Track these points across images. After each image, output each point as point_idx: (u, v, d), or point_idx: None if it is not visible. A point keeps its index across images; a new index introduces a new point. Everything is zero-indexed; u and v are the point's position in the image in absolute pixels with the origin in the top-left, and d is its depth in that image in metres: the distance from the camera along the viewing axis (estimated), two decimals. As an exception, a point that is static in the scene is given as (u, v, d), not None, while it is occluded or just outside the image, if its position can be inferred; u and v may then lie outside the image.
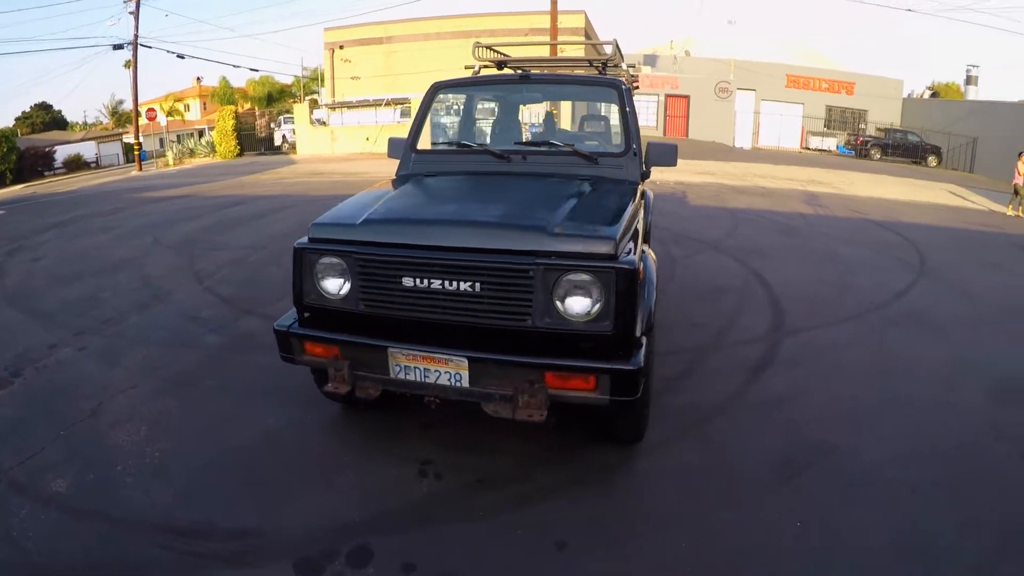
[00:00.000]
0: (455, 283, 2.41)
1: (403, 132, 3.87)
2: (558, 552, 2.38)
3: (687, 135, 29.06)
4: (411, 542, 2.39)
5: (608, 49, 4.15)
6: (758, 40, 34.35)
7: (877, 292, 6.06)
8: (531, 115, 5.92)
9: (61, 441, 3.12)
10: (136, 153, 22.93)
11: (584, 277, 2.36)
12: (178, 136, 32.96)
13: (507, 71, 4.29)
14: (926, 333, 5.05)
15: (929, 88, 39.64)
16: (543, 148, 3.54)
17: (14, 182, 22.30)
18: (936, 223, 10.82)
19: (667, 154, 3.42)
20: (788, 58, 32.47)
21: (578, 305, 2.37)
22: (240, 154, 23.60)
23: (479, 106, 4.38)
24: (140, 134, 23.76)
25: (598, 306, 2.37)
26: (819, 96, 31.02)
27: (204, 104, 44.39)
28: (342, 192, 12.31)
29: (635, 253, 2.55)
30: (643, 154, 3.42)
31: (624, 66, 4.26)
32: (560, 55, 4.57)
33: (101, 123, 46.66)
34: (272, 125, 27.77)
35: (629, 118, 3.45)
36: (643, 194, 3.91)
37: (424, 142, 3.75)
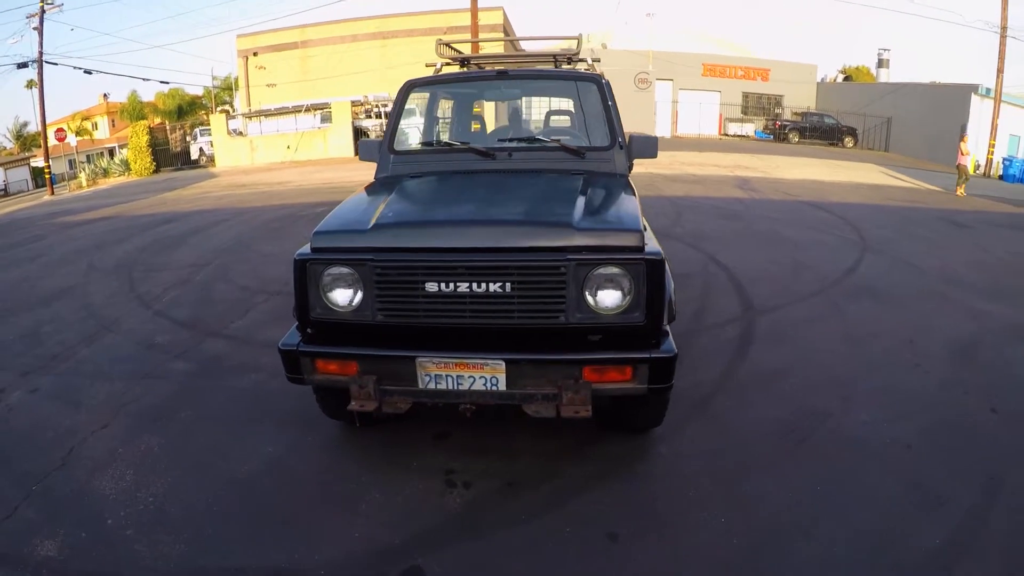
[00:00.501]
0: (484, 285, 2.33)
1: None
2: (612, 544, 2.38)
3: (609, 127, 29.62)
4: (464, 555, 2.30)
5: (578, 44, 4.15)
6: (676, 31, 35.55)
7: (829, 269, 6.39)
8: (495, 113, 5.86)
9: (35, 498, 2.75)
10: (47, 176, 21.36)
11: (614, 270, 2.36)
12: (88, 156, 31.04)
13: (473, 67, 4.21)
14: (882, 304, 5.38)
15: (841, 72, 41.99)
16: (530, 144, 3.49)
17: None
18: (865, 201, 11.54)
19: (649, 146, 3.46)
20: (705, 48, 33.75)
21: (609, 298, 2.37)
22: (156, 171, 22.37)
23: (452, 104, 4.27)
24: (49, 156, 22.14)
25: (628, 298, 2.37)
26: (735, 83, 32.40)
27: (113, 121, 42.31)
28: (275, 203, 11.96)
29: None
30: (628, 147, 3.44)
31: (590, 60, 4.27)
32: (520, 51, 4.52)
33: (5, 148, 43.46)
34: (188, 138, 26.44)
35: (612, 112, 3.47)
36: None
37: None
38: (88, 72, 43.10)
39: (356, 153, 3.61)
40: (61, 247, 8.63)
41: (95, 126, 41.68)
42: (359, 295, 2.44)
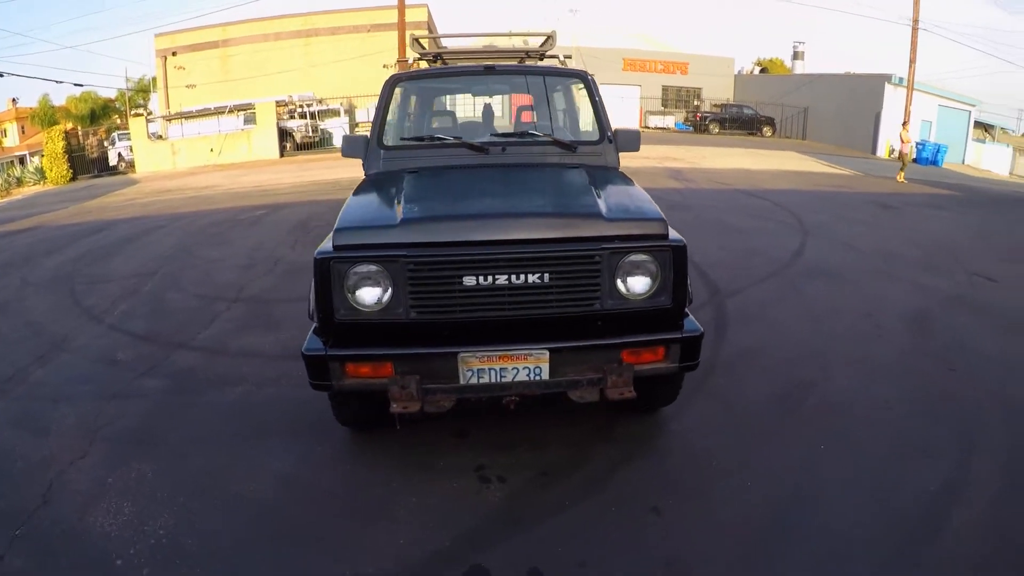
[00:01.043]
0: (523, 276, 2.34)
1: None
2: (658, 517, 2.49)
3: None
4: (519, 548, 2.29)
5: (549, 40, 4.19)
6: (598, 28, 36.27)
7: (778, 253, 6.76)
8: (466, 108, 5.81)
9: (21, 543, 2.41)
10: (-44, 188, 19.35)
11: (643, 257, 2.46)
12: (-2, 165, 28.43)
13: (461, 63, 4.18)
14: (833, 282, 5.76)
15: (757, 64, 43.87)
16: (522, 138, 3.49)
17: None
18: (795, 188, 12.21)
19: (632, 140, 3.58)
20: (627, 43, 34.61)
21: (639, 284, 2.47)
22: (74, 178, 20.65)
23: (437, 99, 4.20)
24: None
25: (656, 283, 2.48)
26: (655, 77, 33.40)
27: (22, 128, 38.99)
28: (207, 208, 11.38)
29: None
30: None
31: (561, 56, 4.33)
32: (491, 47, 4.52)
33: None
34: (106, 144, 24.70)
35: (599, 106, 3.57)
36: None
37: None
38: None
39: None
40: (-17, 262, 7.86)
41: (4, 133, 38.52)
42: (388, 293, 2.38)
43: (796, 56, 35.99)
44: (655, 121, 32.83)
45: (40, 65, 49.63)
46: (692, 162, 16.70)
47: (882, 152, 23.38)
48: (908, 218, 9.33)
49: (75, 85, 33.01)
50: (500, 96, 4.82)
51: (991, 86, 47.18)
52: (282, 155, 20.46)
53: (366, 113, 24.61)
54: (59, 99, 36.19)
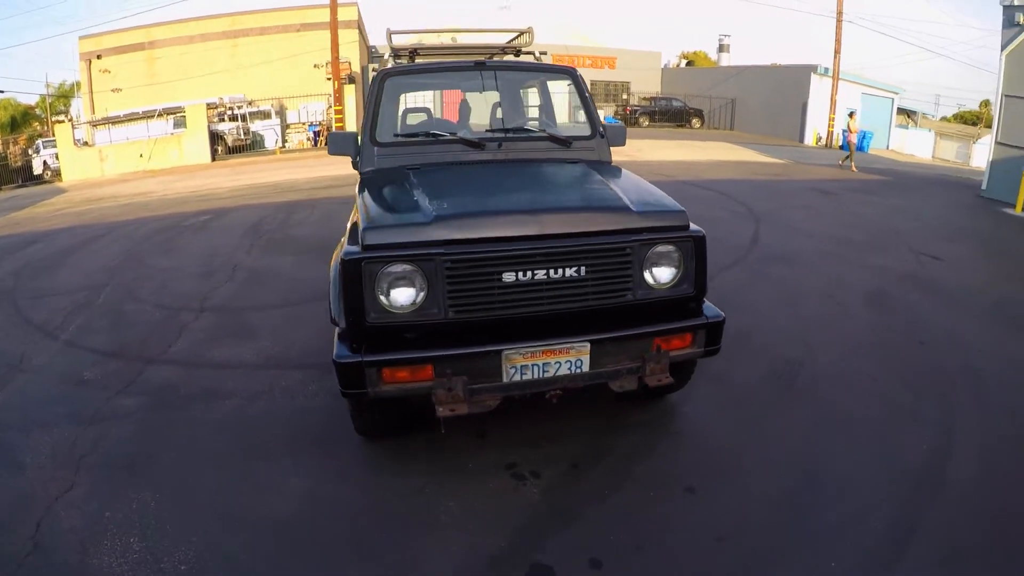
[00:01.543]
0: (560, 270, 2.36)
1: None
2: (693, 495, 2.59)
3: (465, 121, 29.97)
4: (575, 540, 2.31)
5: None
6: (529, 23, 36.27)
7: (736, 241, 7.02)
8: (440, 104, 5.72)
9: None
10: None
11: (668, 248, 2.55)
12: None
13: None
14: (794, 265, 6.07)
15: (684, 57, 45.00)
16: (518, 134, 3.48)
17: None
18: (736, 177, 12.67)
19: (619, 135, 3.67)
20: (556, 39, 34.91)
21: (664, 274, 2.56)
22: None
23: (419, 95, 4.13)
24: None
25: (680, 272, 2.58)
26: (584, 72, 33.58)
27: None
28: (146, 215, 10.78)
29: None
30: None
31: (537, 53, 4.34)
32: (463, 43, 4.46)
33: None
34: (31, 152, 22.96)
35: (589, 102, 3.63)
36: None
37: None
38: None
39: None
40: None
41: (-82, 144, 34.89)
42: (422, 293, 2.32)
43: (722, 49, 37.10)
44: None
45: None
46: (629, 155, 16.97)
47: (810, 140, 24.52)
48: (847, 203, 9.87)
49: (-4, 92, 30.67)
50: (490, 92, 4.79)
51: (912, 74, 50.12)
52: (214, 159, 19.56)
53: (297, 115, 23.96)
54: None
